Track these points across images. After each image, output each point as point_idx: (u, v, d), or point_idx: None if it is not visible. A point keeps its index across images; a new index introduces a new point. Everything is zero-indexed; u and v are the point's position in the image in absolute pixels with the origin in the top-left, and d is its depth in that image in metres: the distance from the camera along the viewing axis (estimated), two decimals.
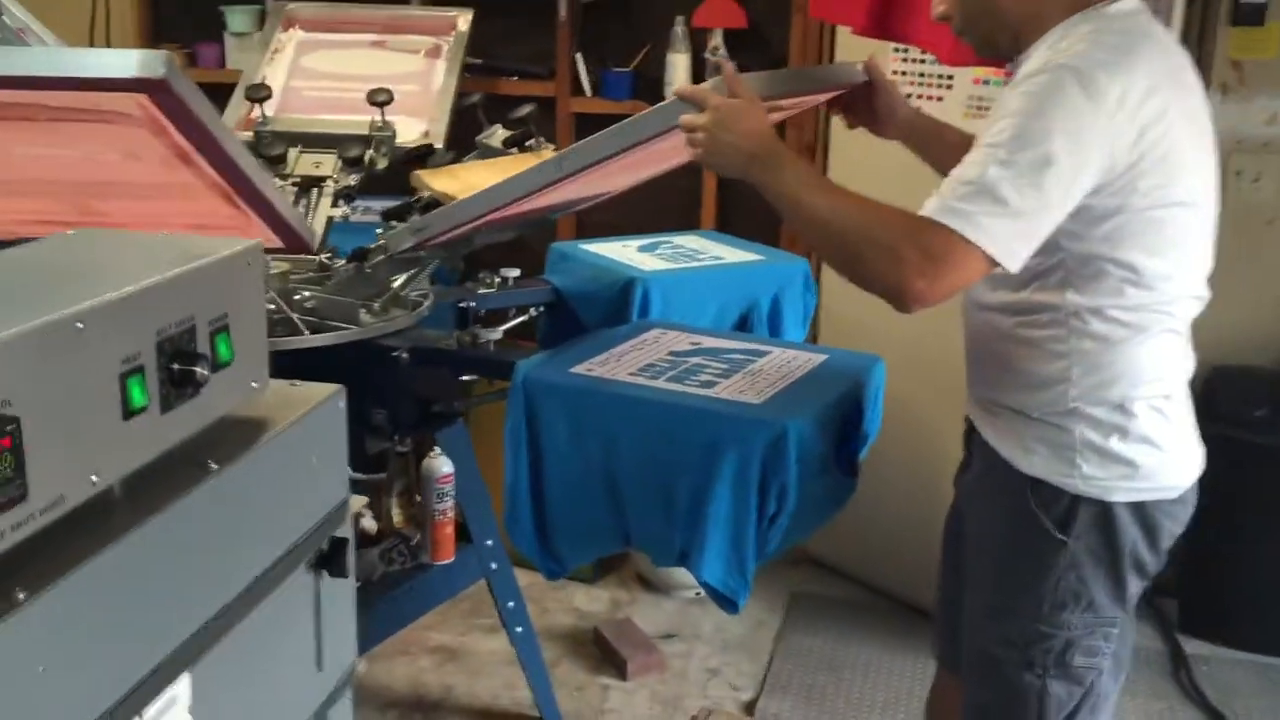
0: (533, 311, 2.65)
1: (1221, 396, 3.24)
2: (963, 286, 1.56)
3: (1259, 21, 3.15)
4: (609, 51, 3.50)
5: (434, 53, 2.71)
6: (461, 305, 2.47)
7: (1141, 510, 1.66)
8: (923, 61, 3.08)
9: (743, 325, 2.61)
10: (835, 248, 1.60)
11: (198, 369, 0.85)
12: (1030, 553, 1.69)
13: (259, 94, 2.48)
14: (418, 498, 2.62)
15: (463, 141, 2.60)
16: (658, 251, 2.76)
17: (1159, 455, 1.65)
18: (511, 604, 2.72)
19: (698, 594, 3.47)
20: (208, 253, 0.91)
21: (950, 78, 3.05)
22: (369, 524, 2.62)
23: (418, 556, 2.54)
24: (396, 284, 2.18)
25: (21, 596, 0.68)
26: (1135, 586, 1.71)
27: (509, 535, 2.05)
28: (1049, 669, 1.70)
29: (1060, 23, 1.60)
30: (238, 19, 3.67)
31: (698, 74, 3.41)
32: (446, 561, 2.56)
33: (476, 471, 2.58)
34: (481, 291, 2.54)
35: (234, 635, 0.89)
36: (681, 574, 3.44)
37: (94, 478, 0.77)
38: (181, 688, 0.83)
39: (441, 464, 2.53)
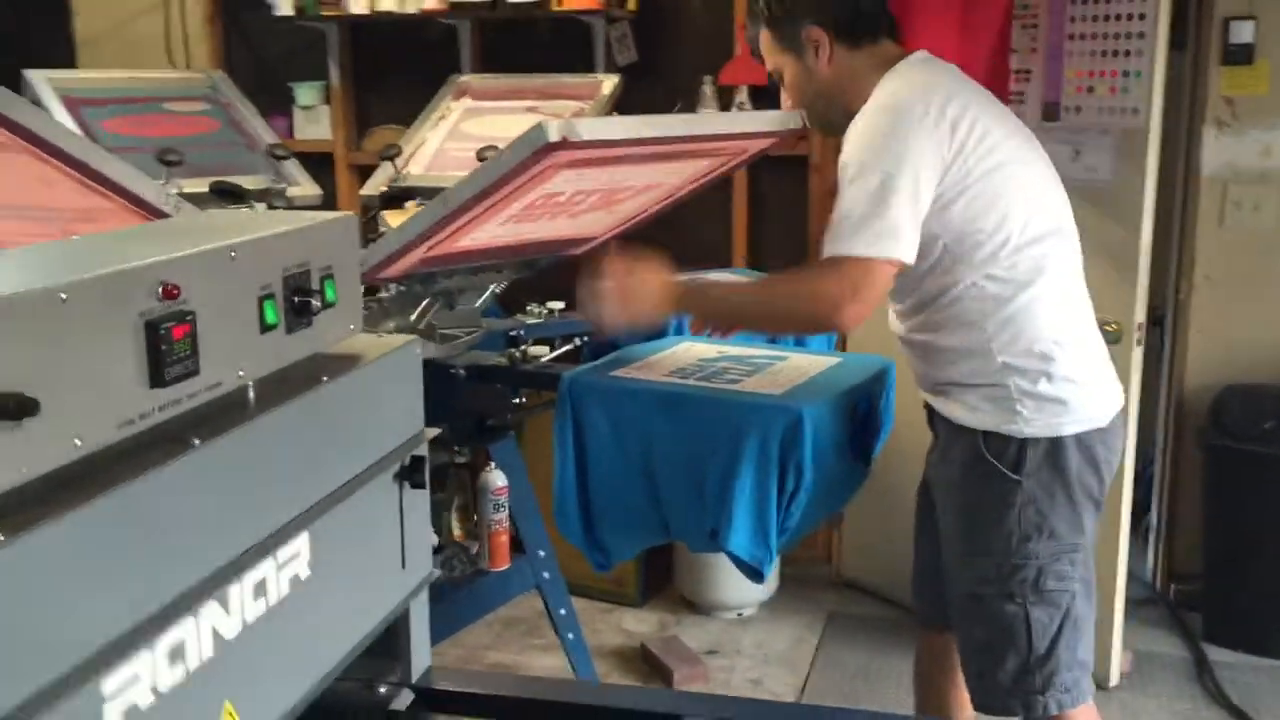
0: (576, 341, 2.90)
1: (1231, 413, 3.42)
2: (883, 294, 1.92)
3: (1248, 60, 3.38)
4: (642, 109, 3.78)
5: (577, 115, 2.92)
6: (511, 334, 2.73)
7: (1080, 441, 1.93)
8: None
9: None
10: (779, 319, 2.06)
11: (313, 301, 1.10)
12: (992, 497, 1.94)
13: (388, 153, 2.82)
14: (474, 515, 2.86)
15: None
16: None
17: (1084, 391, 1.93)
18: (563, 611, 2.94)
19: (740, 615, 3.67)
20: (314, 220, 1.17)
21: None
22: (430, 538, 2.86)
23: (476, 564, 2.77)
24: (413, 317, 2.42)
25: (196, 442, 0.93)
26: (1089, 513, 1.97)
27: (559, 530, 2.28)
28: (1027, 597, 1.94)
29: (875, 85, 1.95)
30: (305, 93, 4.02)
31: None
32: (502, 569, 2.80)
33: (528, 486, 2.82)
34: (530, 322, 2.81)
35: (337, 515, 1.13)
36: (724, 595, 3.65)
37: (240, 373, 1.02)
38: (303, 544, 1.07)
39: (496, 477, 2.77)
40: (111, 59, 4.03)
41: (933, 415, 2.08)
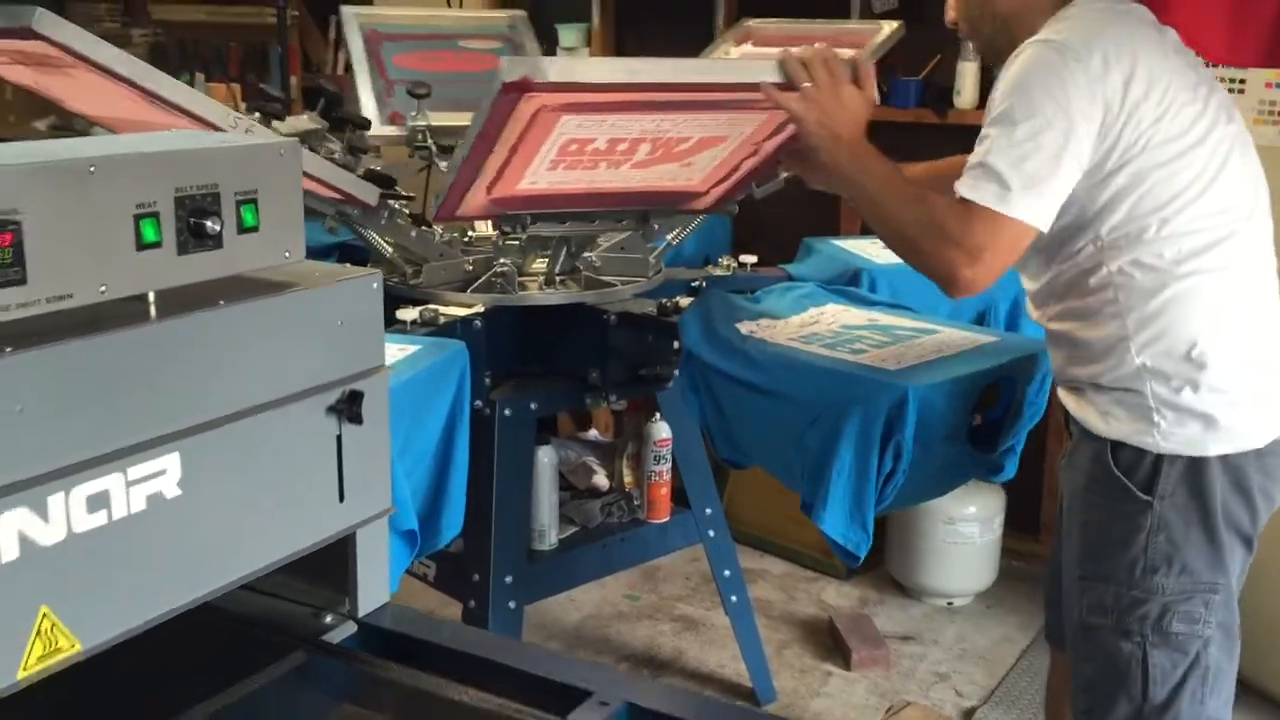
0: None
1: None
2: (1008, 261, 1.63)
3: None
4: (898, 59, 3.56)
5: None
6: (693, 284, 2.66)
7: (1227, 464, 1.62)
8: (1214, 65, 2.92)
9: (979, 323, 2.61)
10: (896, 239, 1.70)
11: (208, 223, 1.10)
12: (1117, 517, 1.67)
13: None
14: None
15: None
16: None
17: (1237, 405, 1.62)
18: (728, 573, 2.86)
19: (949, 604, 3.44)
20: (235, 143, 1.17)
21: (1243, 81, 2.88)
22: (601, 480, 2.86)
23: (635, 513, 2.74)
24: (545, 262, 2.38)
25: (8, 350, 0.96)
26: (1235, 550, 1.66)
27: None
28: (1147, 636, 1.67)
29: (1049, 18, 1.66)
30: (567, 35, 4.07)
31: (985, 85, 3.40)
32: (661, 521, 2.75)
33: (699, 440, 2.74)
34: (717, 273, 2.73)
35: (228, 439, 1.13)
36: (935, 580, 3.43)
37: (102, 287, 1.04)
38: (169, 462, 1.08)
39: (660, 428, 2.72)
40: None
41: (1067, 417, 1.83)
